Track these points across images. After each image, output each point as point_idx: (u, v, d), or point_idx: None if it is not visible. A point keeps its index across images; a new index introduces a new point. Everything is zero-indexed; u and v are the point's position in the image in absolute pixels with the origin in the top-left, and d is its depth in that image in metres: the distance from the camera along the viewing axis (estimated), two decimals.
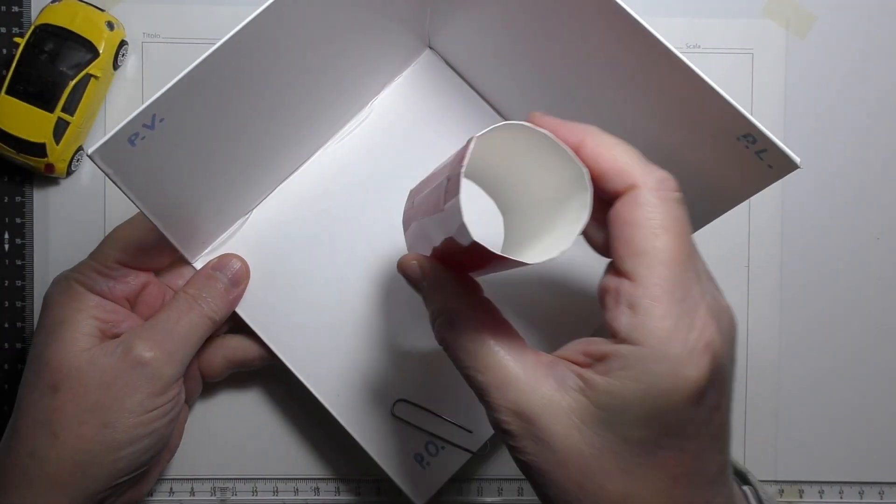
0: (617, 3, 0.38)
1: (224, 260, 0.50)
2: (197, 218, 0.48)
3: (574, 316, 0.51)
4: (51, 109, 0.52)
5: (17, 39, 0.53)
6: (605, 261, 0.37)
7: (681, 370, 0.33)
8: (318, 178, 0.52)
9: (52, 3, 0.53)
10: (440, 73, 0.54)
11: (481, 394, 0.37)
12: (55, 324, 0.46)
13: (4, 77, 0.53)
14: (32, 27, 0.53)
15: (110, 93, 0.56)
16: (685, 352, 0.33)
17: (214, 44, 0.38)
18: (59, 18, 0.53)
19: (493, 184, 0.44)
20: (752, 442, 0.57)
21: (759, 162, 0.38)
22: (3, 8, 0.56)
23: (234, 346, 0.51)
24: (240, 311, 0.50)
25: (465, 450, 0.50)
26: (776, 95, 0.57)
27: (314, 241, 0.51)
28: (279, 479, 0.56)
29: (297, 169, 0.52)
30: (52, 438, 0.44)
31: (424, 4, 0.50)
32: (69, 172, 0.55)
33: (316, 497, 0.56)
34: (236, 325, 0.51)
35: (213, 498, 0.56)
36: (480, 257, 0.35)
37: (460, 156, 0.35)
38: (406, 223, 0.44)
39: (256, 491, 0.56)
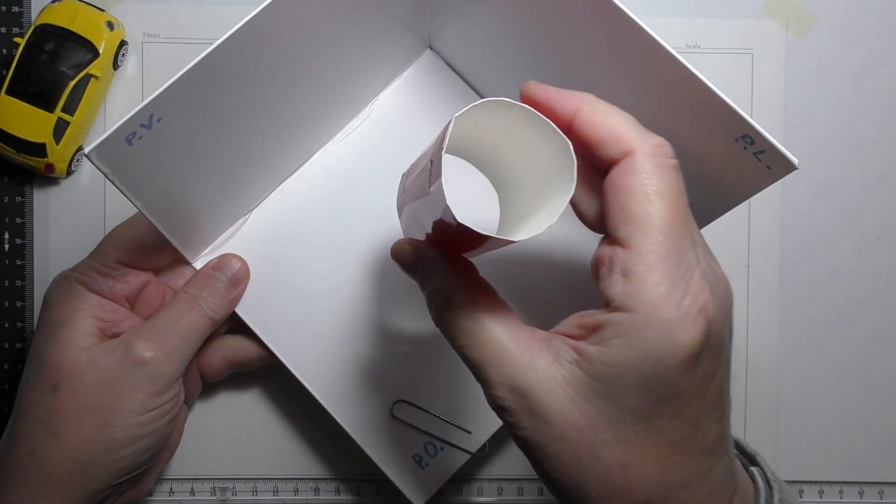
0: (615, 4, 0.38)
1: (224, 260, 0.50)
2: (196, 218, 0.48)
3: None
4: (51, 109, 0.52)
5: (17, 39, 0.53)
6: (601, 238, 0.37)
7: (675, 335, 0.33)
8: (318, 178, 0.52)
9: (52, 3, 0.53)
10: (440, 74, 0.54)
11: (477, 371, 0.36)
12: (55, 323, 0.46)
13: (4, 77, 0.53)
14: (32, 27, 0.53)
15: (110, 93, 0.56)
16: (679, 317, 0.33)
17: (214, 44, 0.38)
18: (59, 18, 0.53)
19: (487, 162, 0.43)
20: (753, 442, 0.57)
21: (758, 163, 0.38)
22: (3, 8, 0.56)
23: (233, 347, 0.51)
24: (239, 311, 0.50)
25: (464, 450, 0.50)
26: (776, 96, 0.57)
27: (314, 242, 0.51)
28: (279, 479, 0.56)
29: (297, 169, 0.52)
30: (52, 438, 0.44)
31: (425, 5, 0.50)
32: (69, 172, 0.55)
33: (316, 497, 0.56)
34: (236, 325, 0.51)
35: (213, 498, 0.56)
36: (469, 237, 0.34)
37: (441, 137, 0.34)
38: (399, 208, 0.44)
39: (256, 491, 0.56)
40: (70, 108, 0.53)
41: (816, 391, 0.58)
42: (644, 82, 0.41)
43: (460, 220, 0.33)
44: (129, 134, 0.38)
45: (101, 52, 0.53)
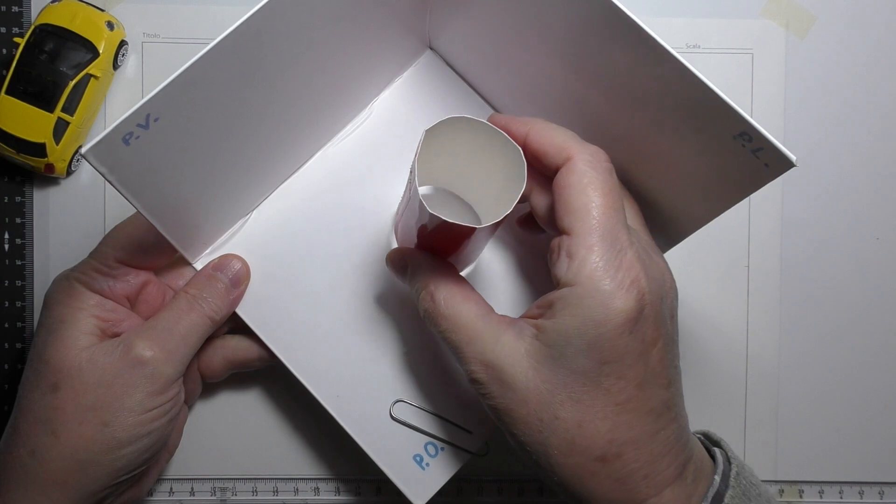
0: (613, 4, 0.38)
1: (224, 260, 0.50)
2: (196, 218, 0.48)
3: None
4: (51, 109, 0.52)
5: (17, 39, 0.53)
6: None
7: (610, 302, 0.38)
8: (318, 178, 0.52)
9: (52, 3, 0.53)
10: (441, 74, 0.53)
11: (455, 350, 0.43)
12: (55, 323, 0.46)
13: (4, 77, 0.53)
14: (32, 27, 0.53)
15: (110, 93, 0.56)
16: (614, 286, 0.38)
17: (210, 44, 0.38)
18: (59, 18, 0.53)
19: (460, 179, 0.47)
20: (752, 442, 0.57)
21: (756, 160, 0.38)
22: (3, 8, 0.56)
23: (233, 347, 0.51)
24: (240, 311, 0.50)
25: (464, 450, 0.50)
26: (776, 95, 0.57)
27: (314, 243, 0.51)
28: (279, 479, 0.56)
29: (297, 170, 0.52)
30: (52, 437, 0.44)
31: (425, 5, 0.50)
32: (69, 172, 0.55)
33: (316, 497, 0.56)
34: (236, 325, 0.51)
35: (213, 498, 0.56)
36: (442, 231, 0.40)
37: (417, 150, 0.40)
38: (395, 230, 0.49)
39: (256, 491, 0.56)
40: (70, 108, 0.53)
41: (816, 391, 0.58)
42: (643, 81, 0.41)
43: (431, 211, 0.38)
44: (125, 134, 0.38)
45: (101, 52, 0.53)
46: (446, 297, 0.43)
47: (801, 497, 0.57)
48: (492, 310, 0.43)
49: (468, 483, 0.57)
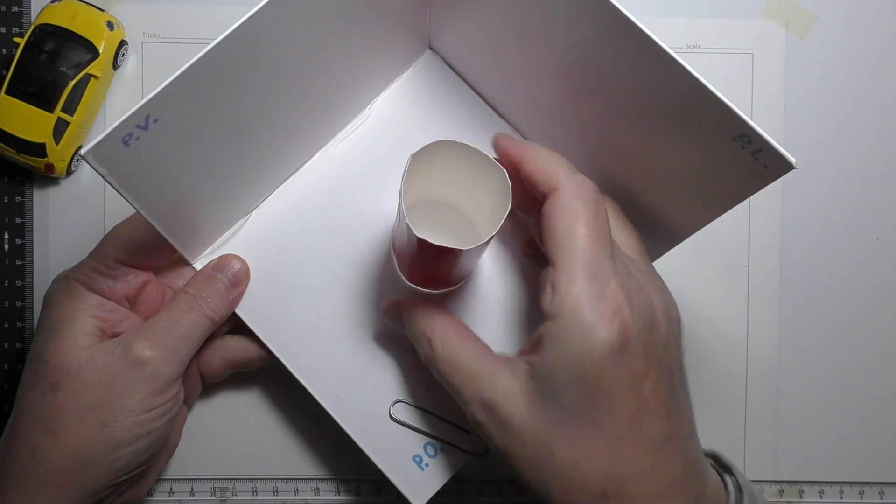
0: (612, 4, 0.38)
1: (224, 260, 0.50)
2: (196, 218, 0.48)
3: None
4: (51, 109, 0.52)
5: (17, 39, 0.53)
6: None
7: (591, 333, 0.37)
8: (318, 179, 0.52)
9: (52, 3, 0.53)
10: (441, 75, 0.53)
11: (454, 392, 0.43)
12: (55, 323, 0.46)
13: (4, 77, 0.53)
14: (32, 27, 0.53)
15: (110, 93, 0.56)
16: (595, 318, 0.38)
17: (210, 44, 0.38)
18: (59, 18, 0.53)
19: (459, 200, 0.48)
20: (752, 442, 0.57)
21: (755, 162, 0.38)
22: (3, 8, 0.56)
23: (233, 347, 0.51)
24: (239, 311, 0.50)
25: (463, 451, 0.50)
26: (776, 96, 0.57)
27: (314, 243, 0.51)
28: (279, 479, 0.56)
29: (297, 170, 0.52)
30: (51, 437, 0.44)
31: (425, 5, 0.50)
32: (69, 172, 0.55)
33: (316, 497, 0.56)
34: (236, 325, 0.51)
35: (213, 498, 0.56)
36: (433, 255, 0.41)
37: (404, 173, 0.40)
38: (392, 245, 0.50)
39: (256, 491, 0.56)
40: (70, 108, 0.53)
41: (816, 391, 0.58)
42: (642, 81, 0.41)
43: (418, 234, 0.38)
44: (125, 135, 0.38)
45: (101, 52, 0.53)
46: (442, 342, 0.43)
47: (801, 497, 0.57)
48: (489, 349, 0.43)
49: (468, 483, 0.57)
